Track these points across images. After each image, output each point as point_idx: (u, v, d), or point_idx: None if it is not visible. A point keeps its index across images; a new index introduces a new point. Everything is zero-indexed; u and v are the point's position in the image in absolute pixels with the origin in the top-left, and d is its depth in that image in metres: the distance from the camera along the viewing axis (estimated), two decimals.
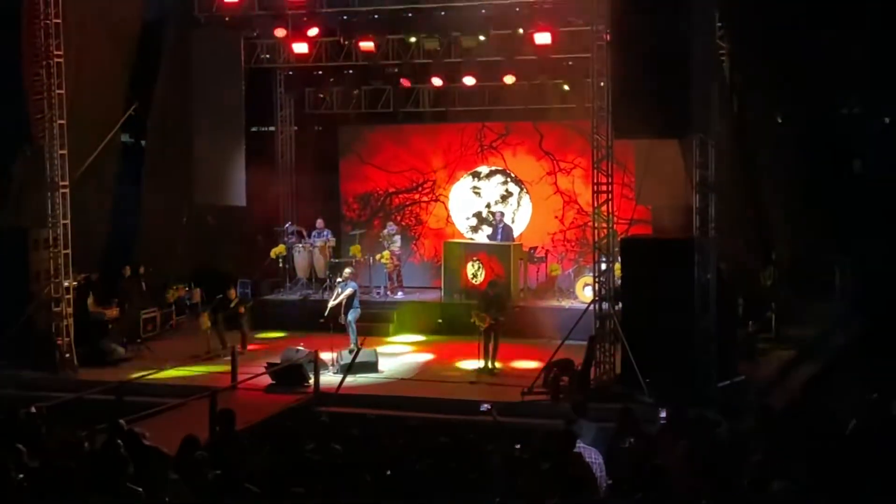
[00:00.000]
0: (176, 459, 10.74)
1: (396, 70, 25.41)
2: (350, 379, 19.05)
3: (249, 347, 21.98)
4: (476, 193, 26.44)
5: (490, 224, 25.52)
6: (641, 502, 9.44)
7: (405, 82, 25.86)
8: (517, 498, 9.75)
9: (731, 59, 22.09)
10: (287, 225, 25.64)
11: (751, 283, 21.48)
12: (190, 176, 24.47)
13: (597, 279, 19.07)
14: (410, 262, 26.38)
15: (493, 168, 26.32)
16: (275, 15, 23.64)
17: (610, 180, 18.84)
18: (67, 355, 20.24)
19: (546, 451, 10.77)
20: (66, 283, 20.34)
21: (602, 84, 18.67)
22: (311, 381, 18.84)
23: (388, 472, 10.20)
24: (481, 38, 23.38)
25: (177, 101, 24.42)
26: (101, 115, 23.18)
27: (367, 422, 14.41)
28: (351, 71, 25.74)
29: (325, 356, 19.83)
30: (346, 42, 24.41)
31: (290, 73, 26.66)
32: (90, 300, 22.54)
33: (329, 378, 19.31)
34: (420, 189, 26.88)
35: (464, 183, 26.54)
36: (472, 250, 24.21)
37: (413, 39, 23.96)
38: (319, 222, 25.44)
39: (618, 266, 19.27)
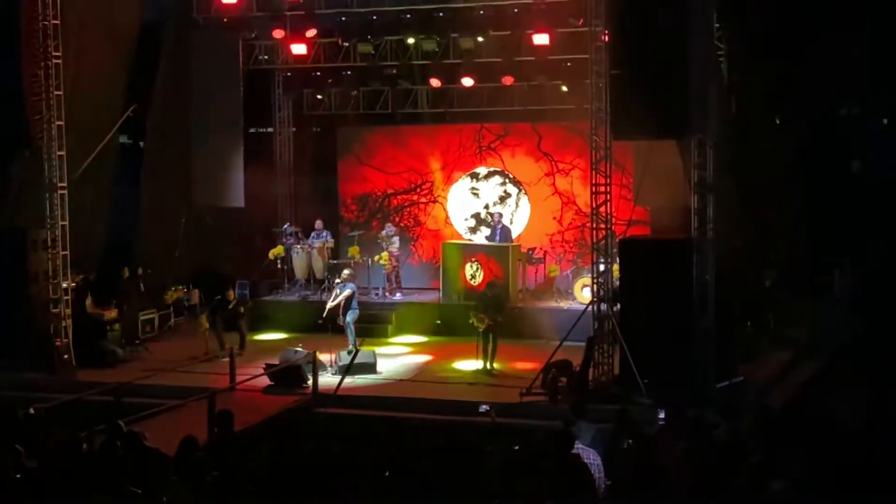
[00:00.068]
0: (175, 460, 10.73)
1: (394, 71, 25.40)
2: (349, 380, 19.04)
3: (248, 349, 21.95)
4: (474, 194, 26.45)
5: (488, 225, 25.51)
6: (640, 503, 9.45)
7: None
8: (516, 499, 9.74)
9: (730, 59, 22.09)
10: (285, 226, 25.63)
11: (749, 283, 21.48)
12: (188, 177, 24.49)
13: (595, 280, 19.08)
14: (409, 264, 26.37)
15: (492, 169, 26.32)
16: (273, 16, 23.64)
17: (608, 181, 18.84)
18: (66, 356, 20.22)
19: (544, 453, 10.77)
20: (64, 285, 20.34)
21: (600, 85, 18.67)
22: (310, 382, 18.84)
23: (387, 473, 10.19)
24: (479, 39, 23.37)
25: (175, 102, 24.43)
26: (99, 116, 23.19)
27: (366, 422, 14.42)
28: (349, 72, 25.72)
29: (324, 357, 19.83)
30: (345, 43, 24.41)
31: (289, 74, 26.66)
32: (88, 301, 22.54)
33: (328, 379, 19.29)
34: (418, 190, 26.88)
35: (462, 184, 26.54)
36: (471, 251, 24.22)
37: (411, 41, 23.95)
38: (318, 223, 25.45)
39: (616, 267, 19.28)
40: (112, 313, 22.58)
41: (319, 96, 27.45)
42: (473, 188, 26.45)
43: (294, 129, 27.65)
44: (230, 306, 22.23)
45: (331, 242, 25.33)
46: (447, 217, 26.63)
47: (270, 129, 27.53)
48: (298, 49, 24.34)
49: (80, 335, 20.71)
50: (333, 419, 17.20)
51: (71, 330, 20.44)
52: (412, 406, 17.92)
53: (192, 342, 22.44)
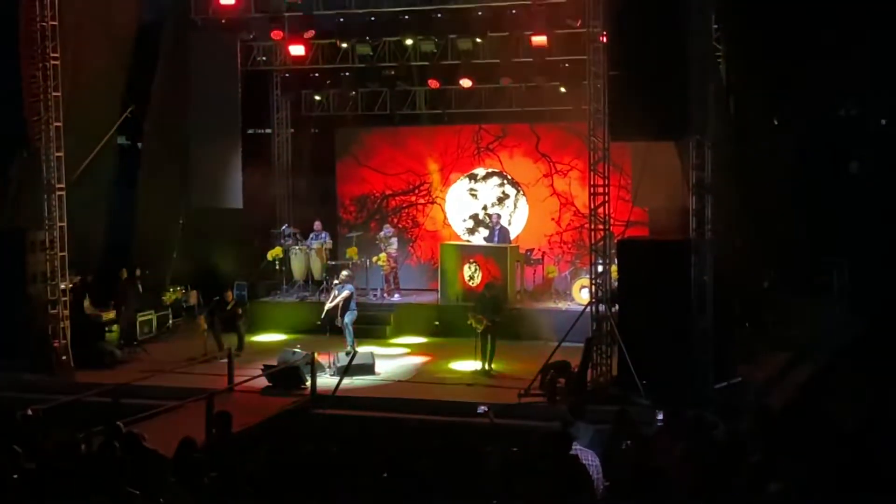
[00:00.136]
0: (173, 462, 10.73)
1: (393, 72, 25.40)
2: (347, 381, 19.03)
3: (246, 350, 21.93)
4: (473, 195, 26.45)
5: (487, 226, 25.51)
6: None
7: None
8: (514, 500, 9.73)
9: (728, 60, 22.11)
10: (283, 227, 25.62)
11: (748, 284, 21.47)
12: (186, 178, 24.49)
13: (593, 281, 19.08)
14: (407, 265, 26.37)
15: (490, 170, 26.32)
16: (271, 17, 23.62)
17: (606, 182, 18.84)
18: (64, 357, 20.22)
19: (543, 453, 10.76)
20: (62, 286, 20.33)
21: (598, 86, 18.67)
22: (308, 383, 18.83)
23: (386, 474, 10.18)
24: (478, 40, 23.37)
25: (173, 103, 24.40)
26: (97, 117, 23.18)
27: (365, 424, 14.42)
28: (347, 73, 25.73)
29: (322, 358, 19.82)
30: (343, 44, 24.40)
31: (287, 75, 26.67)
32: (87, 302, 22.53)
33: (326, 380, 19.28)
34: (417, 191, 26.88)
35: (460, 185, 26.54)
36: (469, 252, 24.22)
37: (409, 42, 23.94)
38: (317, 224, 25.45)
39: (614, 268, 19.29)
40: (110, 314, 22.56)
41: (317, 97, 27.45)
42: (472, 189, 26.46)
43: (292, 130, 27.65)
44: (228, 307, 22.22)
45: (329, 243, 25.32)
46: (445, 218, 26.64)
47: (268, 131, 27.54)
48: (296, 50, 24.33)
49: (78, 336, 20.71)
50: (332, 420, 17.20)
51: (69, 331, 20.43)
52: (410, 407, 17.92)
53: (190, 343, 22.43)
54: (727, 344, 18.34)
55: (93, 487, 9.66)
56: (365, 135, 27.47)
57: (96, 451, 11.24)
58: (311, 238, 25.21)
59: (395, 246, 25.15)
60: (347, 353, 20.25)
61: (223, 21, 23.88)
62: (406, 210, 26.93)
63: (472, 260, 23.70)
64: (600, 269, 19.04)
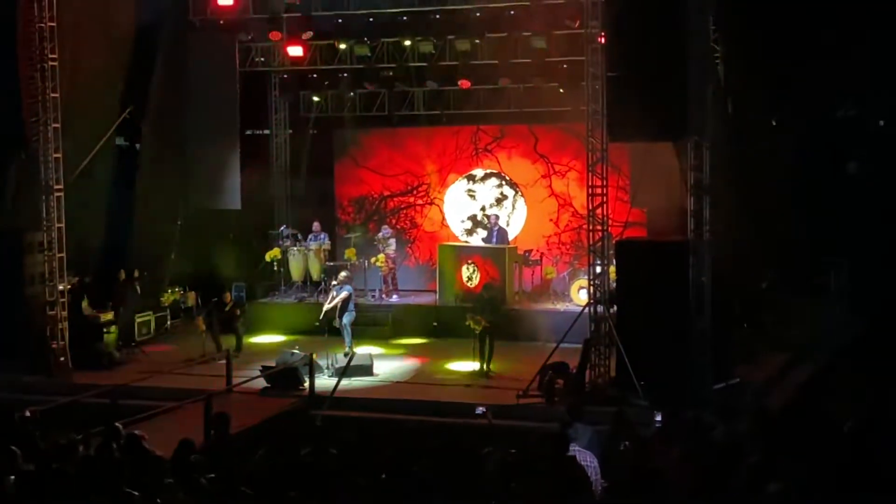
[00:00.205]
0: (171, 463, 10.72)
1: (391, 73, 25.40)
2: (345, 382, 19.01)
3: (244, 351, 21.93)
4: (471, 196, 26.45)
5: (485, 227, 25.49)
6: None
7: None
8: (512, 501, 9.74)
9: (726, 61, 22.11)
10: (282, 228, 25.62)
11: (747, 285, 21.48)
12: (185, 179, 24.50)
13: (592, 282, 19.07)
14: (405, 266, 26.36)
15: (488, 171, 26.33)
16: (269, 18, 23.62)
17: (605, 183, 18.83)
18: (62, 358, 20.21)
19: (541, 454, 10.76)
20: (60, 287, 20.32)
21: (597, 87, 18.67)
22: (306, 384, 18.84)
23: (384, 475, 10.18)
24: (476, 41, 23.37)
25: (172, 104, 24.39)
26: (95, 118, 23.16)
27: (363, 424, 14.41)
28: (346, 74, 25.73)
29: (321, 360, 19.82)
30: (341, 45, 24.40)
31: (285, 76, 26.68)
32: (85, 303, 22.51)
33: (324, 381, 19.28)
34: (415, 192, 26.88)
35: (459, 186, 26.54)
36: (467, 253, 24.23)
37: (408, 43, 23.94)
38: (316, 225, 25.45)
39: (613, 269, 19.29)
40: (108, 315, 22.54)
41: (316, 98, 27.45)
42: (470, 190, 26.46)
43: (290, 131, 27.67)
44: (227, 308, 22.23)
45: (328, 245, 25.32)
46: (444, 219, 26.64)
47: (267, 132, 27.54)
48: (295, 51, 24.33)
49: (76, 337, 20.70)
50: (330, 421, 17.16)
51: (67, 332, 20.42)
52: (409, 408, 17.93)
53: (188, 344, 22.45)
54: (725, 345, 18.35)
55: (91, 488, 9.65)
56: (363, 136, 27.47)
57: (95, 452, 11.22)
58: (310, 239, 25.22)
59: (393, 247, 25.16)
60: (346, 354, 20.26)
61: (221, 22, 23.90)
62: (404, 211, 26.93)
63: (470, 261, 23.70)
64: (598, 269, 19.04)
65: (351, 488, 9.89)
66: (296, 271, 25.19)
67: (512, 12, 22.42)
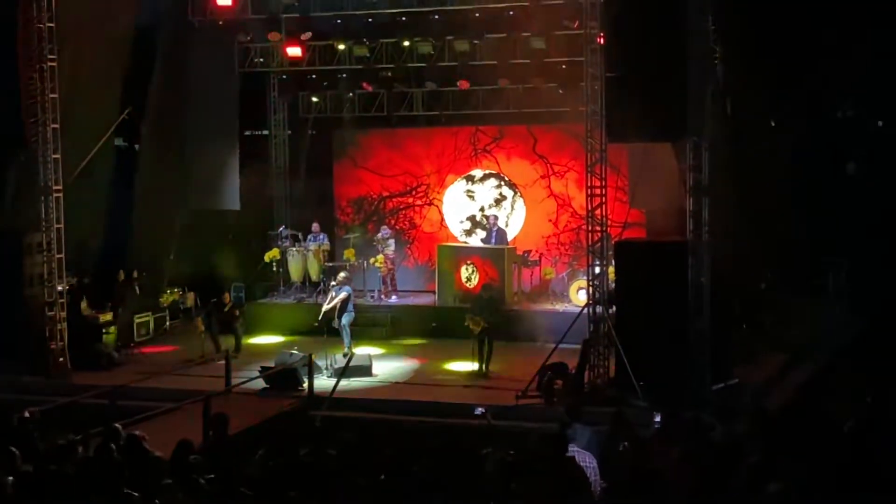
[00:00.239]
0: (170, 464, 10.72)
1: (390, 74, 25.39)
2: (344, 383, 19.02)
3: (243, 351, 21.93)
4: (470, 197, 26.45)
5: (484, 228, 25.49)
6: None
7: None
8: (511, 501, 9.74)
9: (725, 61, 22.10)
10: (281, 229, 25.61)
11: (746, 285, 21.48)
12: (184, 180, 24.49)
13: (591, 282, 19.07)
14: (404, 266, 26.36)
15: (487, 172, 26.33)
16: (268, 19, 23.62)
17: (604, 184, 18.84)
18: (61, 359, 20.20)
19: (540, 455, 10.76)
20: (59, 288, 20.31)
21: (596, 88, 18.67)
22: (305, 385, 18.85)
23: (383, 476, 10.18)
24: (475, 41, 23.36)
25: (171, 105, 24.40)
26: (94, 119, 23.15)
27: (362, 425, 14.40)
28: (344, 75, 25.71)
29: (320, 360, 19.82)
30: (340, 46, 24.39)
31: (284, 77, 26.66)
32: (84, 304, 22.51)
33: (323, 382, 19.29)
34: (414, 193, 26.87)
35: (457, 186, 26.54)
36: (466, 254, 24.23)
37: (406, 43, 23.93)
38: (315, 226, 25.45)
39: (612, 269, 19.29)
40: (107, 316, 22.55)
41: (315, 99, 27.44)
42: (469, 191, 26.46)
43: (289, 131, 27.66)
44: (226, 309, 22.22)
45: (327, 245, 25.32)
46: (443, 220, 26.63)
47: (266, 132, 27.55)
48: (294, 52, 24.32)
49: (75, 338, 20.70)
50: (329, 422, 17.17)
51: (66, 333, 20.41)
52: (408, 409, 17.93)
53: (187, 345, 22.44)
54: (725, 345, 18.34)
55: (90, 489, 9.65)
56: (362, 136, 27.46)
57: (94, 452, 11.22)
58: (309, 240, 25.22)
59: (392, 247, 25.15)
60: (345, 355, 20.25)
61: (220, 23, 23.87)
62: (403, 212, 26.93)
63: (469, 261, 23.70)
64: (597, 270, 19.04)
65: (350, 489, 9.89)
66: (295, 272, 25.19)
67: (511, 13, 22.39)
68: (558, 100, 24.22)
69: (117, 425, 12.30)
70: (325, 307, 21.23)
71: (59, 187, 20.23)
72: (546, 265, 24.66)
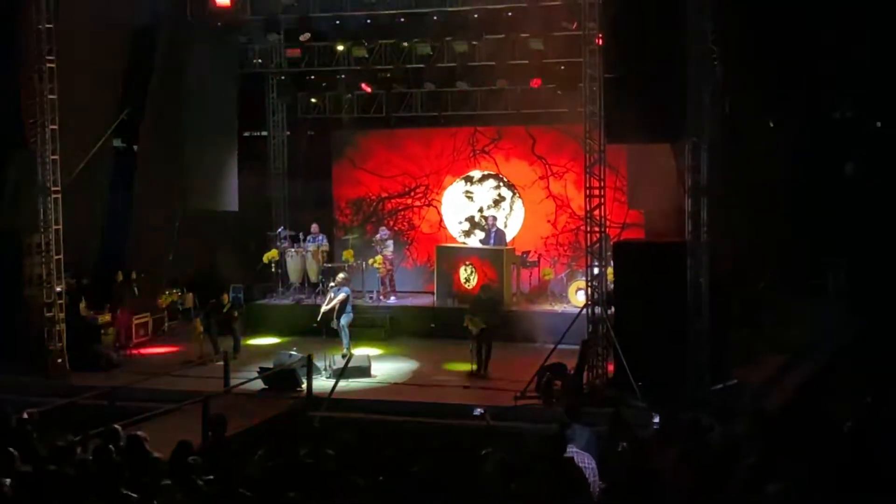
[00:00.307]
0: (169, 465, 10.72)
1: (389, 75, 25.38)
2: (343, 384, 19.01)
3: (242, 352, 21.92)
4: (468, 198, 26.44)
5: (483, 228, 25.49)
6: None
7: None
8: (510, 502, 9.74)
9: (723, 61, 22.09)
10: (280, 229, 25.61)
11: (745, 286, 21.48)
12: (182, 181, 24.45)
13: (589, 283, 19.08)
14: (403, 267, 26.36)
15: (486, 172, 26.32)
16: (267, 19, 23.62)
17: (602, 184, 18.85)
18: (60, 360, 20.20)
19: (539, 456, 10.76)
20: (58, 289, 20.30)
21: (594, 88, 18.67)
22: (304, 385, 18.83)
23: (382, 477, 10.18)
24: (474, 42, 23.36)
25: (169, 105, 24.37)
26: (93, 119, 23.13)
27: (361, 426, 14.40)
28: (343, 76, 25.70)
29: (318, 361, 19.81)
30: (339, 47, 24.39)
31: (283, 77, 26.62)
32: (82, 305, 22.51)
33: (322, 383, 19.28)
34: (412, 194, 26.87)
35: (456, 187, 26.53)
36: (465, 255, 24.23)
37: (405, 44, 23.93)
38: (314, 227, 25.45)
39: (610, 270, 19.30)
40: (106, 317, 22.55)
41: (313, 100, 27.43)
42: (467, 192, 26.45)
43: (288, 132, 27.64)
44: (224, 310, 22.19)
45: (326, 246, 25.32)
46: (441, 220, 26.63)
47: (264, 133, 27.54)
48: (292, 52, 24.30)
49: (73, 339, 20.69)
50: (328, 422, 17.17)
51: (65, 334, 20.41)
52: (406, 409, 17.92)
53: (186, 346, 22.44)
54: (724, 345, 18.34)
55: (89, 490, 9.65)
56: (361, 137, 27.45)
57: (92, 453, 11.22)
58: (308, 240, 25.21)
59: (391, 248, 25.16)
60: (344, 356, 20.25)
61: (219, 24, 23.85)
62: (402, 213, 26.92)
63: (467, 262, 23.70)
64: (596, 271, 19.04)
65: (349, 489, 9.88)
66: (293, 273, 25.19)
67: (509, 14, 22.37)
68: (557, 100, 24.20)
69: (117, 426, 12.30)
70: (324, 308, 21.22)
71: (58, 188, 20.23)
72: (545, 266, 24.66)
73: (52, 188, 20.14)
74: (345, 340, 20.97)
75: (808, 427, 11.62)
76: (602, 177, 18.82)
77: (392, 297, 25.00)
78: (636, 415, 15.22)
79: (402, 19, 23.26)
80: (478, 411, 14.75)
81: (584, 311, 19.04)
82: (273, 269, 25.36)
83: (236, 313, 22.35)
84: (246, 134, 26.78)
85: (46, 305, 20.17)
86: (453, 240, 26.26)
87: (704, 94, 17.66)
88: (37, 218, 20.14)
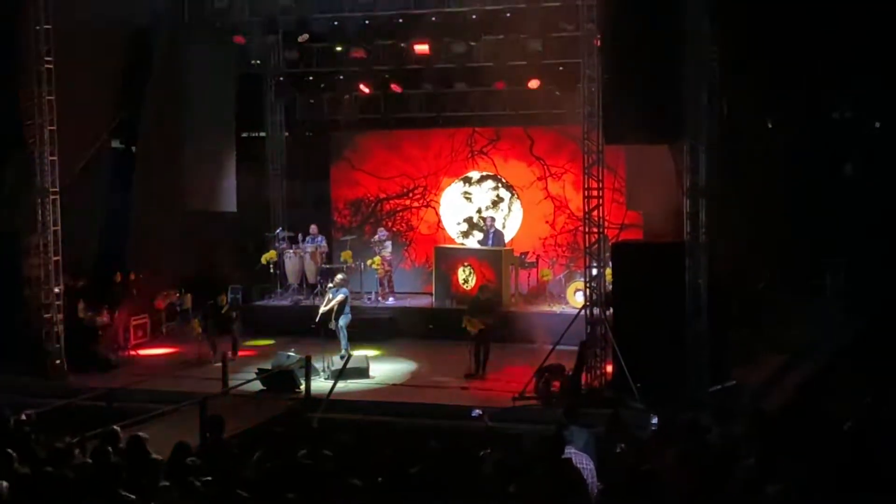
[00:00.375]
0: (167, 466, 10.70)
1: (387, 76, 25.36)
2: (341, 385, 19.01)
3: (240, 353, 21.91)
4: (467, 199, 26.44)
5: (481, 229, 25.50)
6: None
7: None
8: (509, 503, 9.73)
9: (721, 62, 22.08)
10: (278, 230, 25.60)
11: (744, 286, 21.46)
12: (181, 182, 24.41)
13: (588, 284, 19.06)
14: (401, 268, 26.36)
15: (484, 173, 26.32)
16: (266, 20, 23.59)
17: (601, 185, 18.83)
18: (58, 361, 20.19)
19: (537, 457, 10.75)
20: (56, 290, 20.29)
21: (593, 89, 18.67)
22: (302, 386, 18.81)
23: (380, 478, 10.16)
24: (472, 43, 23.35)
25: (168, 106, 24.32)
26: (91, 120, 23.10)
27: (359, 427, 14.39)
28: (342, 76, 25.69)
29: (317, 362, 19.80)
30: (337, 48, 24.37)
31: (281, 78, 26.61)
32: (80, 306, 22.48)
33: (320, 384, 19.26)
34: (411, 195, 26.86)
35: (455, 188, 26.53)
36: (463, 255, 24.23)
37: (404, 45, 23.91)
38: (313, 228, 25.44)
39: (609, 271, 19.27)
40: (104, 318, 22.52)
41: (312, 101, 27.40)
42: (466, 192, 26.45)
43: (287, 133, 27.62)
44: (222, 311, 22.17)
45: (324, 247, 25.31)
46: (440, 221, 26.63)
47: (263, 134, 27.51)
48: (291, 53, 24.29)
49: (71, 340, 20.67)
50: (326, 423, 17.15)
51: (63, 335, 20.39)
52: (405, 410, 17.91)
53: (184, 347, 22.42)
54: (723, 346, 18.32)
55: (87, 491, 9.64)
56: (359, 138, 27.44)
57: (91, 454, 11.21)
58: (307, 241, 25.20)
59: (389, 249, 25.15)
60: (342, 357, 20.24)
61: (218, 24, 23.82)
62: (400, 213, 26.92)
63: (466, 263, 23.69)
64: (594, 272, 19.02)
65: (348, 491, 9.86)
66: (292, 274, 25.18)
67: (508, 15, 22.34)
68: (555, 101, 24.21)
69: (116, 427, 12.29)
70: (323, 309, 21.19)
71: (56, 189, 20.23)
72: (543, 267, 24.66)
73: (51, 189, 20.14)
74: (343, 341, 20.94)
75: (807, 427, 11.61)
76: (600, 177, 18.80)
77: (390, 298, 24.99)
78: (635, 416, 15.22)
79: (401, 20, 23.24)
80: (476, 412, 14.73)
81: (583, 311, 19.02)
82: (271, 270, 25.36)
83: (234, 314, 22.35)
84: (244, 135, 26.77)
85: (45, 306, 20.17)
86: (452, 241, 26.26)
87: (703, 95, 17.65)
88: (35, 219, 20.13)
